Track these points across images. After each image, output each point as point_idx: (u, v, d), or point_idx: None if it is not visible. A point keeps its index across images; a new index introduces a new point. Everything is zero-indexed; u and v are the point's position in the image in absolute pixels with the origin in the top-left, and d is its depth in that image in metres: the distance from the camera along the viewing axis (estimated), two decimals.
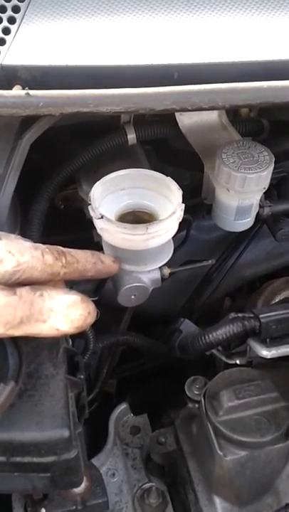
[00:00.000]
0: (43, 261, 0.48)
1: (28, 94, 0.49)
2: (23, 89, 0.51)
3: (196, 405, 0.73)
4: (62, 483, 0.55)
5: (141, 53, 0.50)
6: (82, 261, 0.53)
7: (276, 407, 0.62)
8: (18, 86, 0.52)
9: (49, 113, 0.48)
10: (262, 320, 0.65)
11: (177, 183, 0.64)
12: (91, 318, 0.49)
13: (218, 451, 0.61)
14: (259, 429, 0.61)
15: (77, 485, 0.62)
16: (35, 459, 0.50)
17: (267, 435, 0.60)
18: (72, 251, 0.52)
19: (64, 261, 0.50)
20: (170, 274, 0.76)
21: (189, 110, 0.48)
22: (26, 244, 0.47)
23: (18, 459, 0.50)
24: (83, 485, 0.69)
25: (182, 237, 0.88)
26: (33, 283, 0.49)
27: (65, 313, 0.47)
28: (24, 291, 0.46)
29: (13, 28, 0.52)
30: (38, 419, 0.49)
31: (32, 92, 0.49)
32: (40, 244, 0.49)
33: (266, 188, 0.71)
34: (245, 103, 0.48)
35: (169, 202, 0.65)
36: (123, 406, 0.85)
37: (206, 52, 0.50)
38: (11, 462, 0.50)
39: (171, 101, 0.47)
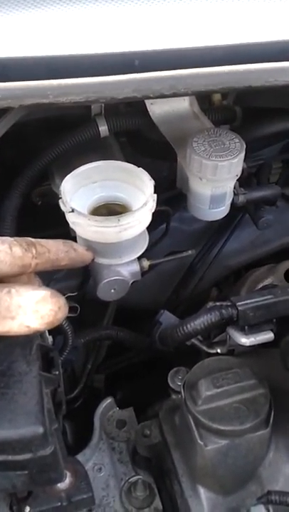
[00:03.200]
0: (11, 254, 0.47)
1: None
2: None
3: (179, 396, 0.73)
4: (42, 480, 0.54)
5: (100, 41, 0.50)
6: (54, 250, 0.52)
7: (255, 394, 0.62)
8: None
9: (8, 105, 0.48)
10: (239, 308, 0.64)
11: (155, 175, 0.64)
12: (62, 313, 0.48)
13: (199, 441, 0.61)
14: (238, 417, 0.60)
15: (58, 481, 0.61)
16: (10, 457, 0.49)
17: (246, 423, 0.60)
18: (43, 241, 0.51)
19: (34, 252, 0.49)
20: (150, 266, 0.75)
21: (151, 97, 0.47)
22: None
23: None
24: (67, 481, 0.68)
25: (163, 230, 0.88)
26: (4, 277, 0.48)
27: (35, 309, 0.46)
28: None
29: None
30: (11, 416, 0.48)
31: None
32: (8, 237, 0.48)
33: (239, 175, 0.71)
34: (207, 88, 0.47)
35: (141, 193, 0.65)
36: (108, 400, 0.85)
37: (166, 38, 0.50)
38: None
39: (132, 89, 0.47)
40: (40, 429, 0.49)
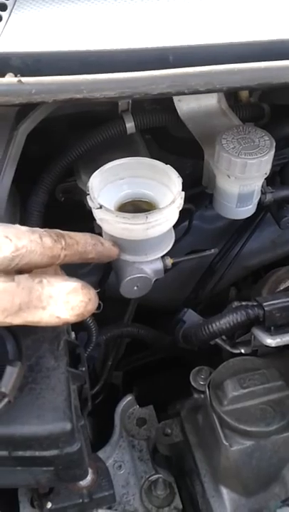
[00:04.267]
0: (42, 244, 0.46)
1: (20, 81, 0.48)
2: (16, 76, 0.50)
3: (202, 396, 0.73)
4: (67, 477, 0.54)
5: (135, 37, 0.49)
6: (82, 242, 0.52)
7: (281, 395, 0.61)
8: (11, 74, 0.51)
9: (42, 100, 0.47)
10: (265, 308, 0.64)
11: (179, 172, 0.63)
12: (92, 305, 0.48)
13: (224, 442, 0.60)
14: (264, 418, 0.60)
15: (82, 478, 0.61)
16: (37, 453, 0.50)
17: (272, 424, 0.60)
18: (71, 233, 0.51)
19: (63, 243, 0.49)
20: (173, 264, 0.75)
21: (186, 93, 0.47)
22: (23, 229, 0.46)
23: (20, 453, 0.49)
24: (89, 478, 0.68)
25: (185, 228, 0.87)
26: (34, 268, 0.48)
27: (66, 300, 0.46)
28: (23, 278, 0.45)
29: (4, 15, 0.51)
30: (39, 412, 0.48)
31: (24, 79, 0.48)
32: (38, 228, 0.47)
33: (268, 173, 0.70)
34: (243, 85, 0.47)
35: (168, 190, 0.64)
36: (129, 398, 0.85)
37: (202, 33, 0.49)
38: (13, 456, 0.49)
39: (167, 84, 0.46)
40: (68, 426, 0.49)
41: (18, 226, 0.47)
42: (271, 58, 0.47)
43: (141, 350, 1.05)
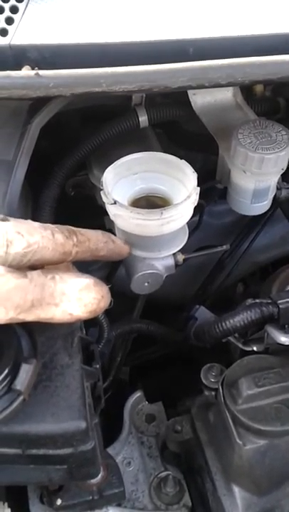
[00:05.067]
0: (54, 240, 0.46)
1: (37, 74, 0.47)
2: (33, 69, 0.49)
3: (213, 393, 0.72)
4: (80, 475, 0.54)
5: (154, 29, 0.48)
6: (94, 239, 0.52)
7: None
8: (28, 67, 0.50)
9: (60, 93, 0.46)
10: (280, 306, 0.63)
11: None
12: (104, 302, 0.47)
13: (238, 440, 0.60)
14: (279, 417, 0.59)
15: (95, 476, 0.61)
16: (51, 451, 0.49)
17: (287, 424, 0.59)
18: (83, 230, 0.51)
19: (75, 240, 0.49)
20: (184, 260, 0.74)
21: (206, 87, 0.46)
22: (35, 225, 0.46)
23: (34, 452, 0.49)
24: (99, 475, 0.68)
25: (195, 223, 0.86)
26: (45, 264, 0.47)
27: (78, 297, 0.46)
28: (35, 274, 0.44)
29: (20, 6, 0.50)
30: (54, 410, 0.48)
31: (42, 72, 0.47)
32: (50, 224, 0.47)
33: (284, 169, 0.69)
34: (265, 78, 0.46)
35: (183, 186, 0.63)
36: (138, 394, 0.84)
37: (222, 25, 0.48)
38: (27, 454, 0.49)
39: (188, 77, 0.45)
40: (83, 424, 0.48)
41: (30, 221, 0.47)
42: None
43: (145, 345, 1.04)
